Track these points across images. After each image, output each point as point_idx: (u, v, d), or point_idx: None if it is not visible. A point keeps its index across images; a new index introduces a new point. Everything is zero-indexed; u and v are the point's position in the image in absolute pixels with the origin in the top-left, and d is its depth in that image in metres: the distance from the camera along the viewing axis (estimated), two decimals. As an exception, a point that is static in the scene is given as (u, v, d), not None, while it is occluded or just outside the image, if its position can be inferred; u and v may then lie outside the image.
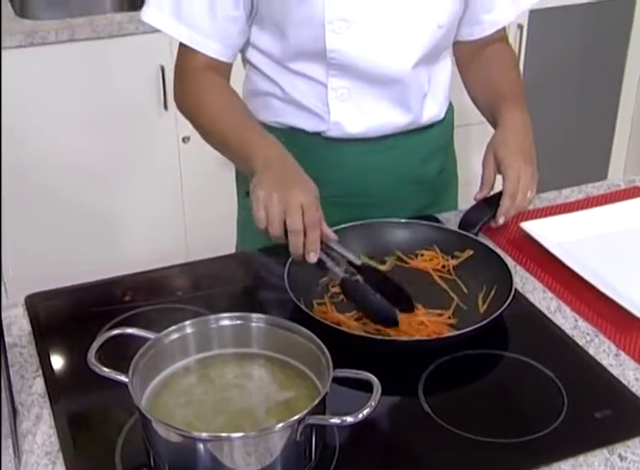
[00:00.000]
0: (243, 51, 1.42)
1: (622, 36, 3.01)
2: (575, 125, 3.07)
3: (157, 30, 2.35)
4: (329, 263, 1.15)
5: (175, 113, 2.44)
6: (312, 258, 1.13)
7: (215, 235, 2.49)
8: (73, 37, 2.31)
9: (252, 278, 1.35)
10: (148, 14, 1.36)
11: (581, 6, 2.85)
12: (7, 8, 2.45)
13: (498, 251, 1.28)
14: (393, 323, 1.13)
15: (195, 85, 1.37)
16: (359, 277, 1.15)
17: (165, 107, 2.45)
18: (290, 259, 1.19)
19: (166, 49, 2.37)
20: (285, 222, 1.13)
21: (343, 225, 1.28)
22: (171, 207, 2.62)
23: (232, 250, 1.59)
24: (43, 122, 2.38)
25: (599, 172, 3.13)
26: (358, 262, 1.17)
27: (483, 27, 1.47)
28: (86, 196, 2.49)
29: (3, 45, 2.23)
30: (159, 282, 1.32)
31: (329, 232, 1.17)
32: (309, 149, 1.39)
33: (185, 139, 2.52)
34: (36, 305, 1.22)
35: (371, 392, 0.90)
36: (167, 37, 2.30)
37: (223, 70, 1.38)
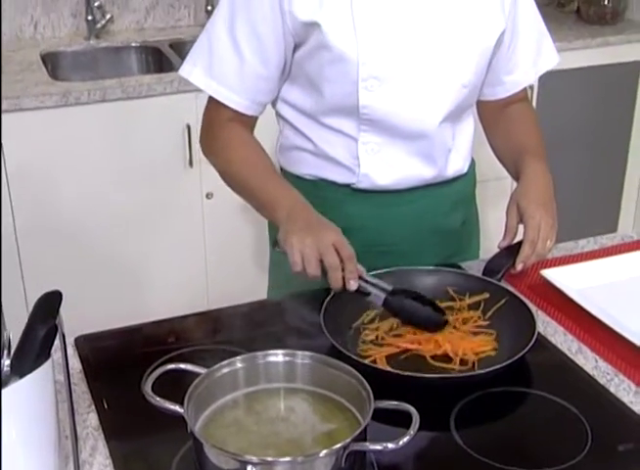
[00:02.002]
0: (274, 105, 1.51)
1: (630, 96, 3.11)
2: (586, 182, 3.15)
3: (183, 91, 2.50)
4: (368, 289, 1.27)
5: (200, 169, 2.56)
6: (353, 286, 1.26)
7: (235, 287, 2.58)
8: (105, 98, 2.42)
9: (287, 321, 1.42)
10: (183, 69, 1.46)
11: (589, 68, 2.96)
12: (41, 71, 2.57)
13: (521, 296, 1.35)
14: (442, 326, 1.27)
15: (222, 138, 1.46)
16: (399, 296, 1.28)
17: (191, 164, 2.55)
18: (325, 304, 1.28)
19: (192, 109, 2.48)
20: (321, 261, 1.24)
21: (372, 273, 1.36)
22: (194, 259, 2.70)
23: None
24: (76, 178, 2.47)
25: (609, 225, 3.21)
26: (390, 288, 1.29)
27: (506, 88, 1.56)
28: (115, 247, 2.57)
29: (41, 105, 2.34)
30: (199, 325, 1.39)
31: (359, 266, 1.28)
32: (339, 200, 1.48)
33: (209, 195, 2.61)
34: (85, 345, 1.29)
35: (401, 426, 0.97)
36: (193, 97, 2.45)
37: (249, 122, 1.47)
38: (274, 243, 1.34)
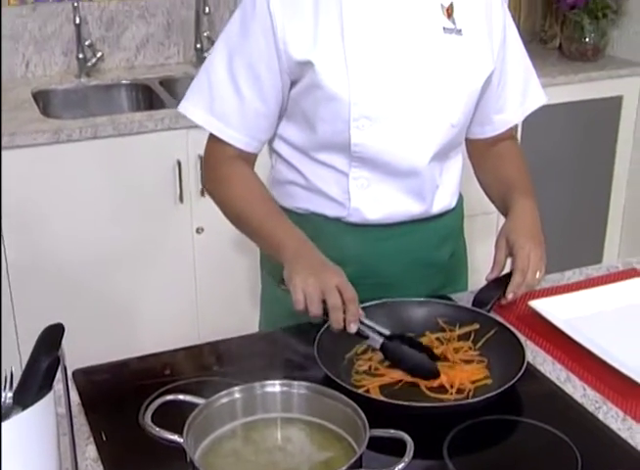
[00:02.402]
0: (270, 141, 1.54)
1: (612, 130, 3.17)
2: (571, 214, 3.20)
3: (174, 128, 2.54)
4: (367, 332, 1.30)
5: (191, 205, 2.60)
6: (353, 328, 1.29)
7: (226, 322, 2.60)
8: (96, 135, 2.45)
9: (282, 353, 1.44)
10: (184, 107, 1.49)
11: (572, 103, 3.02)
12: (33, 109, 2.60)
13: (510, 327, 1.38)
14: (435, 375, 1.27)
15: (224, 174, 1.49)
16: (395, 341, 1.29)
17: (181, 199, 2.58)
18: (318, 336, 1.31)
19: (183, 145, 2.52)
20: (323, 302, 1.28)
21: (365, 304, 1.38)
22: (185, 294, 2.71)
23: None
24: (68, 214, 2.49)
25: (595, 256, 3.25)
26: (387, 332, 1.31)
27: (494, 127, 1.60)
28: (106, 282, 2.59)
29: (33, 143, 2.37)
30: (194, 358, 1.41)
31: (358, 308, 1.31)
32: (329, 233, 1.50)
33: (199, 230, 2.64)
34: (82, 378, 1.31)
35: (396, 454, 0.99)
36: (184, 134, 2.48)
37: (250, 158, 1.50)
38: (280, 281, 1.38)
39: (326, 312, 1.29)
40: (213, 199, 1.52)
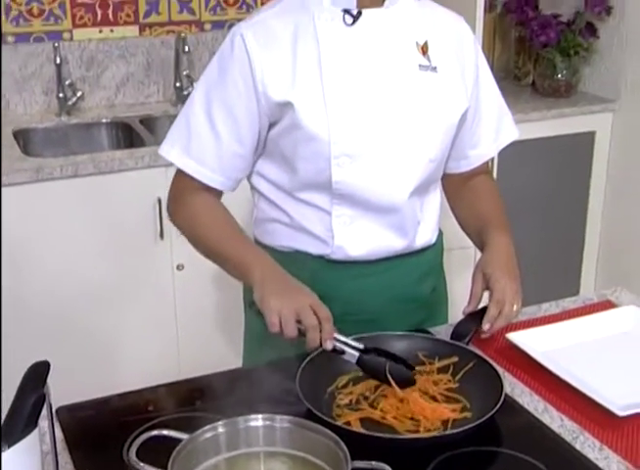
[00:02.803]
0: (249, 179, 1.57)
1: (586, 165, 3.22)
2: (548, 247, 3.24)
3: (154, 166, 2.56)
4: (342, 348, 1.33)
5: (171, 241, 2.61)
6: (329, 345, 1.32)
7: (206, 358, 2.60)
8: (77, 173, 2.47)
9: (264, 388, 1.45)
10: (162, 149, 1.52)
11: (546, 139, 3.07)
12: (14, 147, 2.62)
13: (488, 359, 1.40)
14: (412, 383, 1.32)
15: (191, 204, 1.51)
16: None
17: (162, 236, 2.60)
18: (300, 370, 1.32)
19: (163, 182, 2.51)
20: (298, 323, 1.31)
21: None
22: (166, 330, 2.72)
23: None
24: (48, 252, 2.50)
25: (572, 288, 3.28)
26: (361, 346, 1.34)
27: (469, 162, 1.64)
28: (87, 319, 2.59)
29: (13, 181, 2.39)
30: (176, 393, 1.42)
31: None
32: (312, 271, 1.52)
33: (180, 267, 2.65)
34: (66, 415, 1.32)
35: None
36: (164, 172, 2.50)
37: (216, 192, 1.53)
38: (250, 303, 1.40)
39: (300, 333, 1.32)
40: (179, 228, 1.55)
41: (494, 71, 1.64)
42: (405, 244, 1.56)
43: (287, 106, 1.42)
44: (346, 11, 1.44)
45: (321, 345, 1.32)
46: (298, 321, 1.31)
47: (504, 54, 3.44)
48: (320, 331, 1.31)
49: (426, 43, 1.49)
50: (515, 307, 1.46)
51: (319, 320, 1.31)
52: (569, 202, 3.25)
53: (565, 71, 3.18)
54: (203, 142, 1.47)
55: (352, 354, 1.33)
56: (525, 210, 3.08)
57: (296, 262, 1.51)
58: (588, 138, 3.18)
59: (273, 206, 1.55)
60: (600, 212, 3.31)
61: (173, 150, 1.50)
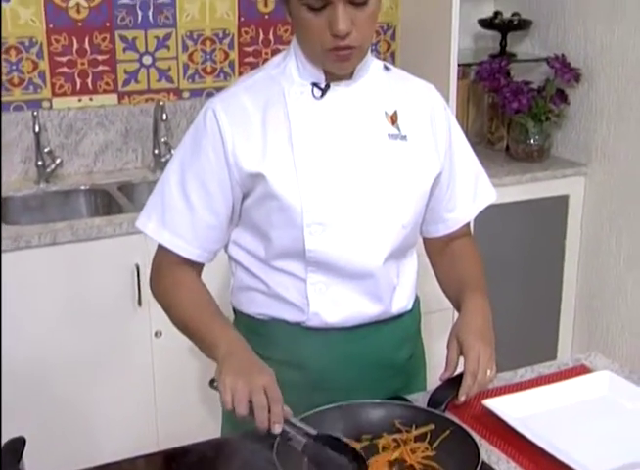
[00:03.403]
0: (226, 249, 1.59)
1: (560, 228, 3.26)
2: (524, 312, 3.26)
3: (132, 233, 2.57)
4: (291, 433, 1.30)
5: (149, 308, 2.61)
6: (277, 428, 1.29)
7: (184, 426, 2.59)
8: (55, 241, 2.47)
9: (242, 458, 1.45)
10: (139, 221, 1.54)
11: (520, 203, 3.12)
12: (-8, 215, 2.63)
13: (465, 426, 1.41)
14: None
15: (169, 280, 1.54)
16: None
17: (140, 303, 2.59)
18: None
19: (141, 249, 2.54)
20: (250, 402, 1.29)
21: (323, 408, 1.41)
22: (144, 397, 2.70)
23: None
24: (26, 320, 2.49)
25: (549, 353, 3.30)
26: (314, 432, 1.31)
27: (448, 225, 1.66)
28: (64, 387, 2.57)
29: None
30: (155, 465, 1.41)
31: (286, 409, 1.32)
32: (290, 338, 1.54)
33: (157, 333, 2.65)
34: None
35: None
36: (142, 239, 2.51)
37: (195, 265, 1.55)
38: (211, 381, 1.40)
39: (252, 413, 1.30)
40: (158, 302, 1.57)
41: (469, 137, 1.68)
42: (381, 310, 1.57)
43: (258, 177, 1.46)
44: (315, 84, 1.49)
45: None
46: (251, 401, 1.30)
47: (478, 120, 3.51)
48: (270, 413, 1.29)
49: (395, 113, 1.53)
50: (489, 373, 1.47)
51: (269, 402, 1.29)
52: (544, 265, 3.28)
53: (537, 137, 3.25)
54: (177, 214, 1.50)
55: (299, 441, 1.30)
56: (501, 273, 3.11)
57: (272, 330, 1.52)
58: (562, 201, 3.24)
59: (250, 274, 1.57)
60: (575, 275, 3.34)
61: (149, 223, 1.53)
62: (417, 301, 1.68)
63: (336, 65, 1.44)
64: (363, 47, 1.44)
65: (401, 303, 1.61)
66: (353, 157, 1.49)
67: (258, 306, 1.58)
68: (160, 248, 1.55)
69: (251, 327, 1.56)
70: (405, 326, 1.64)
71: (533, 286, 3.27)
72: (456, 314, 1.61)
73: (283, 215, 1.47)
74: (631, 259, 3.10)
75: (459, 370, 1.50)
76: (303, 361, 1.45)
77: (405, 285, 1.61)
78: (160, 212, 1.51)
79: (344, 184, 1.48)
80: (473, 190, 1.66)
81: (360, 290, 1.54)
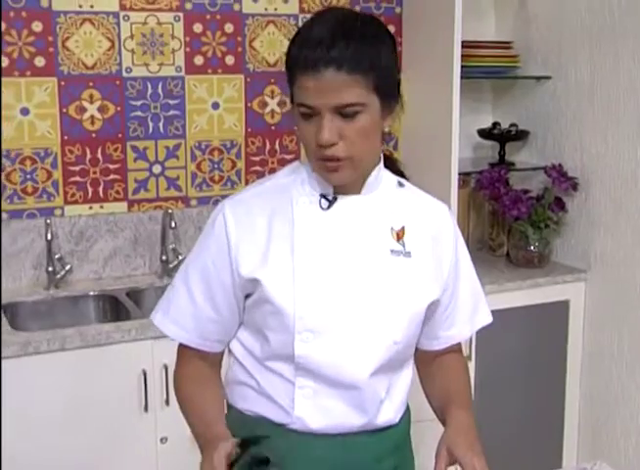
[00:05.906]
0: (228, 342, 1.65)
1: (562, 333, 3.28)
2: (528, 418, 3.23)
3: (140, 339, 2.60)
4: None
5: (155, 414, 2.62)
6: None
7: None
8: (64, 347, 2.51)
9: None
10: (152, 314, 1.64)
11: (521, 308, 3.15)
12: (4, 321, 2.66)
13: None
14: None
15: (181, 374, 1.65)
16: None
17: (146, 409, 2.61)
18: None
19: (148, 355, 2.58)
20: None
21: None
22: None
23: None
24: (34, 425, 2.50)
25: (555, 460, 3.26)
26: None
27: (441, 342, 1.69)
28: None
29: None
30: None
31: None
32: (275, 438, 1.52)
33: (163, 440, 2.65)
34: None
35: None
36: (150, 345, 2.54)
37: (208, 358, 1.63)
38: None
39: None
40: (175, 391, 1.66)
41: (470, 243, 1.71)
42: (364, 421, 1.57)
43: (255, 281, 1.52)
44: (323, 195, 1.54)
45: None
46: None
47: (479, 226, 3.59)
48: None
49: (402, 228, 1.57)
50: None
51: None
52: (546, 370, 3.28)
53: (537, 243, 3.31)
54: (181, 306, 1.60)
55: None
56: (503, 379, 3.11)
57: (259, 429, 1.54)
58: (563, 307, 3.27)
59: (244, 370, 1.61)
60: (578, 379, 3.34)
61: (157, 314, 1.63)
62: (407, 412, 1.69)
63: (326, 175, 1.49)
64: (355, 160, 1.45)
65: (388, 415, 1.61)
66: (352, 269, 1.53)
67: (247, 403, 1.62)
68: (179, 345, 1.64)
69: (242, 421, 1.60)
70: (391, 438, 1.63)
71: (536, 392, 3.26)
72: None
73: (277, 319, 1.52)
74: (633, 364, 3.12)
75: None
76: (285, 464, 1.46)
77: (394, 398, 1.62)
78: (167, 304, 1.61)
79: (340, 295, 1.52)
80: (471, 312, 1.69)
81: (346, 400, 1.55)
